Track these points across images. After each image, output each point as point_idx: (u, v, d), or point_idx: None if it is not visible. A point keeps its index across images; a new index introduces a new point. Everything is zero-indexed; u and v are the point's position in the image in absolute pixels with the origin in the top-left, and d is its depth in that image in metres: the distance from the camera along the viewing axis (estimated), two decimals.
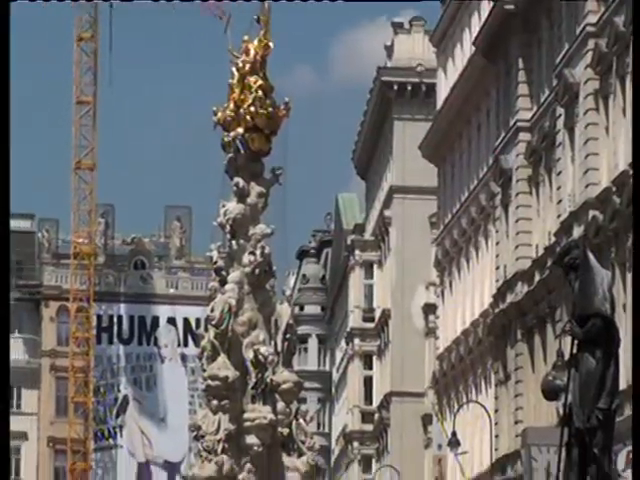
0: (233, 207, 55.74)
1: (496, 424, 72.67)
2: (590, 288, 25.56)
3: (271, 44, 55.89)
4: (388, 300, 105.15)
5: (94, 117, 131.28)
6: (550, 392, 27.00)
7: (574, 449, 25.06)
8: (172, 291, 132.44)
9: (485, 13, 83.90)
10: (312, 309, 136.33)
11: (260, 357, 54.44)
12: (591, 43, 62.01)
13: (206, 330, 58.07)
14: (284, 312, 57.32)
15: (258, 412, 53.50)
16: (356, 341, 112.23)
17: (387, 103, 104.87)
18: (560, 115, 65.65)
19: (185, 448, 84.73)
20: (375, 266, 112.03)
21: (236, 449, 53.63)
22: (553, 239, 63.55)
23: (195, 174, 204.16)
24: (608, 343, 25.12)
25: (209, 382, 54.37)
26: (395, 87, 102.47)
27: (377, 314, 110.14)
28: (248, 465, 53.71)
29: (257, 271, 55.80)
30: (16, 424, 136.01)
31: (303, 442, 58.01)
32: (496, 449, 72.56)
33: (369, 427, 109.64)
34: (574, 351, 25.09)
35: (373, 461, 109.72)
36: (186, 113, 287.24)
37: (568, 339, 25.95)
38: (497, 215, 76.28)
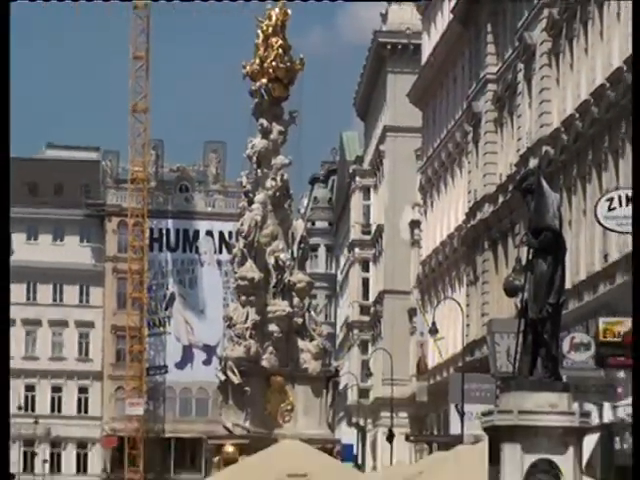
0: (258, 142, 56.88)
1: (467, 316, 72.80)
2: (543, 208, 25.69)
3: (289, 11, 56.66)
4: (382, 217, 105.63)
5: (147, 70, 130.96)
6: (510, 290, 27.10)
7: (529, 336, 25.22)
8: (209, 209, 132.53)
9: None
10: (321, 224, 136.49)
11: (280, 262, 55.51)
12: (546, 12, 62.03)
13: (237, 240, 59.73)
14: (299, 226, 58.62)
15: (278, 306, 54.93)
16: (356, 250, 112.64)
17: (382, 60, 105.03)
18: (520, 69, 65.97)
19: (220, 334, 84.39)
20: (371, 190, 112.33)
21: (261, 335, 54.51)
22: (514, 169, 63.47)
23: (228, 116, 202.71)
24: (557, 251, 25.31)
25: (239, 282, 56.44)
26: (388, 47, 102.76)
27: (373, 228, 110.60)
28: (270, 348, 54.60)
29: (277, 194, 56.73)
30: (85, 315, 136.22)
31: (314, 330, 58.97)
32: (467, 335, 72.64)
33: (366, 318, 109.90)
34: (530, 257, 25.35)
35: (369, 345, 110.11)
36: (221, 67, 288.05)
37: (525, 248, 26.24)
38: (469, 150, 76.62)
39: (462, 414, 59.80)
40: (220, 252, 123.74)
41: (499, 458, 24.50)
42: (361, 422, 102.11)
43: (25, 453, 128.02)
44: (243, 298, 56.64)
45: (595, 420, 45.59)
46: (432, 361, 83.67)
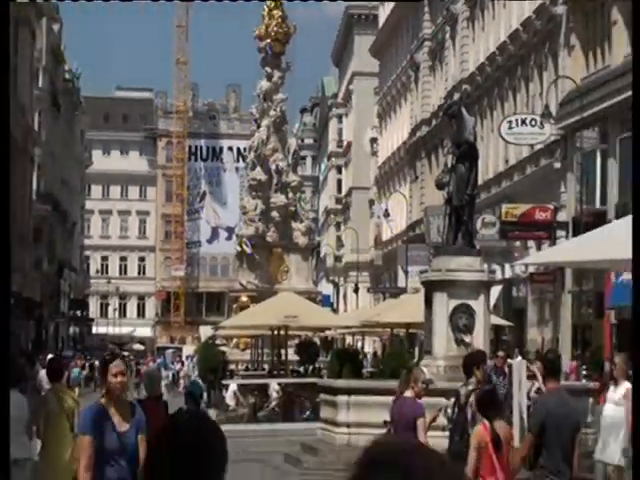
0: (264, 84, 57.64)
1: (410, 204, 73.07)
2: (462, 127, 25.70)
3: None
4: (351, 135, 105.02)
5: (186, 34, 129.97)
6: (440, 185, 27.42)
7: (453, 217, 25.30)
8: (230, 131, 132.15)
9: None
10: (308, 141, 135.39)
11: (279, 167, 55.58)
12: None
13: (249, 153, 59.41)
14: (292, 143, 59.57)
15: (278, 198, 55.63)
16: (332, 159, 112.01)
17: (351, 25, 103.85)
18: (447, 31, 65.46)
19: (237, 219, 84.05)
20: (343, 117, 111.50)
21: (265, 219, 54.99)
22: (442, 101, 62.95)
23: (243, 65, 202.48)
24: (472, 158, 25.36)
25: (250, 182, 57.35)
26: (355, 16, 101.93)
27: (344, 144, 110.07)
28: (272, 228, 54.68)
29: (277, 120, 57.10)
30: (143, 207, 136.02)
31: (303, 215, 59.78)
32: (410, 218, 73.01)
33: (339, 206, 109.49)
34: (453, 163, 25.32)
35: (342, 225, 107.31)
36: (239, 30, 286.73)
37: (450, 156, 26.23)
38: (411, 88, 76.52)
39: (406, 272, 60.30)
40: (237, 162, 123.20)
41: (432, 302, 24.69)
42: (336, 279, 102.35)
43: (101, 304, 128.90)
44: (253, 193, 57.47)
45: (499, 276, 45.75)
46: (385, 236, 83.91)
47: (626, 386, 15.38)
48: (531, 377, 19.59)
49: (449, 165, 27.06)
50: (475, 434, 12.81)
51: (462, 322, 23.79)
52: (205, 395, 38.16)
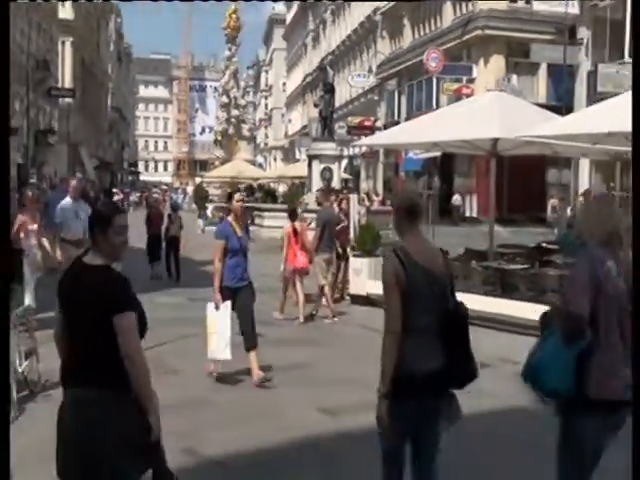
0: (227, 53, 53.69)
1: (302, 116, 71.57)
2: (327, 76, 24.69)
3: None
4: (272, 80, 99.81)
5: (190, 23, 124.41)
6: (316, 105, 26.23)
7: (322, 122, 24.42)
8: (210, 76, 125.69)
9: None
10: (250, 82, 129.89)
11: (235, 96, 52.44)
12: None
13: (220, 88, 56.03)
14: (242, 84, 55.72)
15: (234, 112, 51.28)
16: (263, 92, 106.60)
17: (272, 22, 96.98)
18: (321, 27, 62.86)
19: (214, 122, 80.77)
20: (269, 71, 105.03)
21: (228, 122, 51.66)
22: (319, 63, 60.93)
23: (217, 41, 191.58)
24: (332, 92, 24.43)
25: (221, 103, 52.47)
26: (275, 18, 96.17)
27: (269, 85, 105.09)
28: (232, 127, 51.79)
29: (235, 71, 53.65)
30: (165, 115, 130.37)
31: (247, 120, 56.70)
32: (302, 123, 71.62)
33: (266, 117, 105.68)
34: (322, 94, 24.26)
35: (268, 126, 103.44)
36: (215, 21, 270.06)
37: (320, 92, 25.28)
38: (303, 57, 73.68)
39: (299, 150, 58.90)
40: (214, 92, 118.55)
41: (311, 165, 24.09)
42: (265, 154, 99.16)
43: (145, 165, 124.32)
44: (222, 109, 54.86)
45: (346, 154, 45.19)
46: (290, 132, 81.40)
47: None
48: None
49: (320, 94, 26.31)
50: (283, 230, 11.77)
51: (326, 175, 23.48)
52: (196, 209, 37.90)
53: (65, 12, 52.80)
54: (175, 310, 11.64)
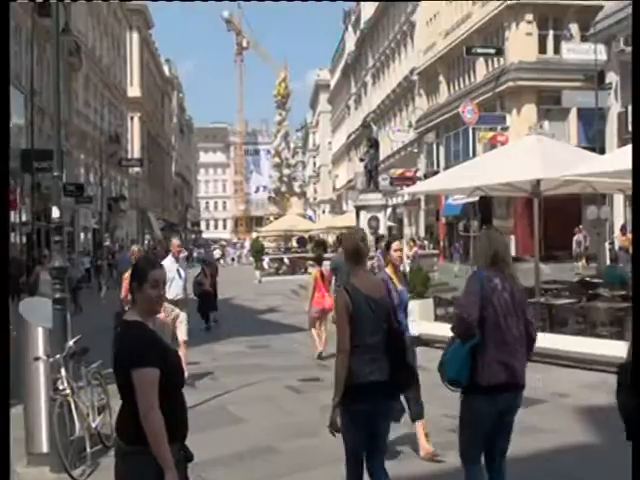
0: (278, 117, 53.82)
1: (347, 171, 71.55)
2: (371, 133, 24.51)
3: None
4: (319, 140, 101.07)
5: (242, 94, 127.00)
6: (361, 160, 26.00)
7: (368, 175, 24.18)
8: (263, 140, 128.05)
9: None
10: (299, 143, 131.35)
11: (286, 156, 52.66)
12: None
13: (273, 151, 56.14)
14: (292, 145, 55.73)
15: (286, 170, 51.41)
16: (312, 152, 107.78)
17: (318, 88, 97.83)
18: (362, 90, 63.23)
19: (268, 181, 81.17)
20: (316, 132, 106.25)
21: (280, 180, 51.55)
22: (362, 121, 61.02)
23: (269, 107, 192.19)
24: (376, 147, 24.19)
25: (274, 163, 52.19)
26: (320, 83, 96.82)
27: (317, 144, 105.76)
28: (284, 185, 51.85)
29: (285, 134, 53.75)
30: (224, 177, 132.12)
31: (298, 178, 56.81)
32: (348, 177, 71.59)
33: (315, 174, 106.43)
34: (367, 149, 23.92)
35: (316, 182, 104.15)
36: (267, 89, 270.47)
37: (365, 147, 24.92)
38: (346, 117, 74.02)
39: (347, 203, 58.80)
40: (268, 154, 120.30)
41: (359, 215, 23.80)
42: (315, 208, 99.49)
43: (206, 223, 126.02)
44: (275, 168, 55.27)
45: (390, 203, 44.72)
46: (337, 186, 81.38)
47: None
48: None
49: (365, 150, 26.15)
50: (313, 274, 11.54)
51: (373, 224, 23.22)
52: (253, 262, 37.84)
53: (133, 90, 54.46)
54: (236, 358, 11.37)
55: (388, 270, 5.96)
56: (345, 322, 4.06)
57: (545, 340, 9.49)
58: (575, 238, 26.65)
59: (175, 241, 10.26)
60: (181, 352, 8.39)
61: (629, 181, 10.14)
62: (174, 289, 9.32)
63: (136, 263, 3.34)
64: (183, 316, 9.33)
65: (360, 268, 4.28)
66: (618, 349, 8.75)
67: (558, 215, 26.75)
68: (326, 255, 15.08)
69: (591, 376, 8.49)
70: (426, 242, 37.17)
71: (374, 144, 23.41)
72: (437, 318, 11.60)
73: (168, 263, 9.43)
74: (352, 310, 4.07)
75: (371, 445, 4.20)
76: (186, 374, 8.84)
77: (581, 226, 27.88)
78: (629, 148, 9.79)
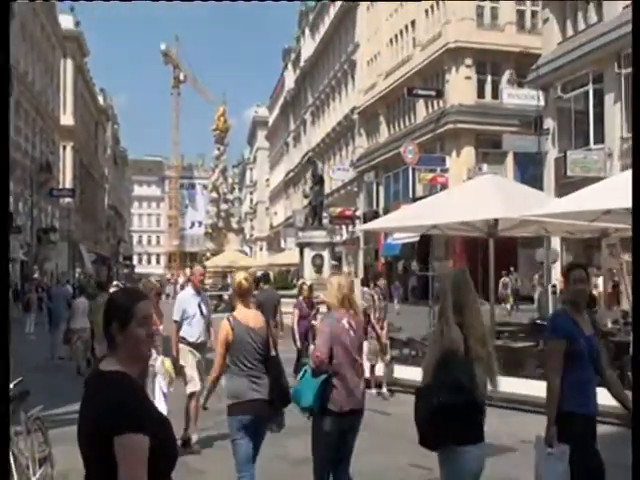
0: (216, 152, 53.55)
1: (285, 209, 71.41)
2: (316, 169, 24.36)
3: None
4: (256, 177, 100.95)
5: (177, 126, 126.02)
6: (306, 196, 25.72)
7: (312, 212, 23.83)
8: (199, 175, 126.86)
9: None
10: (236, 179, 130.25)
11: (224, 191, 51.99)
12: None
13: (210, 186, 55.36)
14: (229, 181, 55.46)
15: (223, 206, 50.41)
16: (249, 188, 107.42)
17: (255, 124, 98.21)
18: (301, 127, 63.45)
19: (204, 217, 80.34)
20: (253, 169, 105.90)
21: (217, 216, 50.74)
22: (300, 159, 60.62)
23: (206, 141, 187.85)
24: (321, 183, 23.92)
25: (211, 198, 51.10)
26: (258, 119, 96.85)
27: (254, 181, 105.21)
28: (221, 220, 50.87)
29: (223, 169, 53.24)
30: (158, 211, 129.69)
31: (236, 214, 56.10)
32: (285, 215, 71.36)
33: (252, 211, 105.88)
34: (312, 185, 23.70)
35: (253, 219, 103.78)
36: (204, 125, 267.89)
37: (310, 183, 24.56)
38: (284, 154, 74.16)
39: (285, 241, 58.58)
40: (204, 190, 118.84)
41: (303, 253, 23.43)
42: (251, 245, 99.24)
43: (138, 258, 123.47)
44: (211, 203, 54.53)
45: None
46: (275, 223, 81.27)
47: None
48: None
49: (309, 186, 25.89)
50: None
51: (317, 262, 22.89)
52: None
53: (66, 119, 53.06)
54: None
55: (566, 308, 4.44)
56: (222, 349, 4.95)
57: (507, 385, 9.30)
58: (502, 280, 26.77)
59: (198, 268, 8.39)
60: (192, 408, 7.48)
61: (587, 223, 10.26)
62: (195, 328, 7.61)
63: (111, 299, 2.63)
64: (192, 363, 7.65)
65: (244, 303, 5.13)
66: None
67: (496, 258, 27.10)
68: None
69: None
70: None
71: (319, 180, 23.22)
72: (392, 359, 11.22)
73: (188, 296, 7.82)
74: (233, 338, 4.90)
75: (254, 451, 4.95)
76: (194, 437, 7.59)
77: (512, 268, 28.30)
78: (586, 191, 9.82)
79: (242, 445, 4.86)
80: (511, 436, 7.73)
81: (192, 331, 7.53)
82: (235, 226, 56.14)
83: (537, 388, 8.87)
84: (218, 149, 56.36)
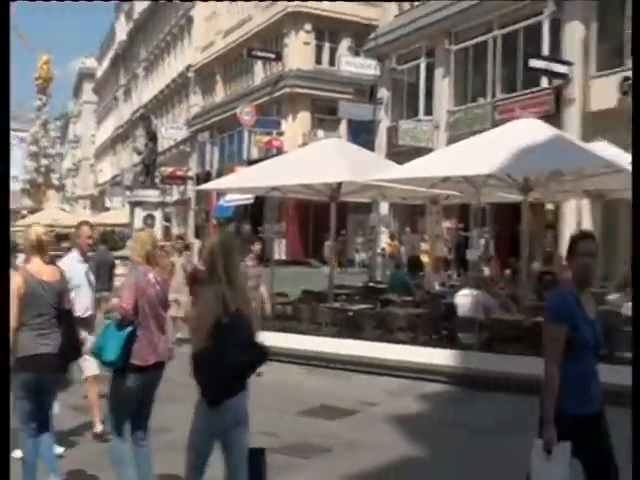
0: (38, 102, 49.56)
1: (112, 166, 68.28)
2: (150, 124, 23.28)
3: None
4: (81, 132, 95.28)
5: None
6: (138, 152, 24.62)
7: (145, 169, 22.90)
8: (20, 126, 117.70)
9: None
10: (58, 132, 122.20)
11: (45, 145, 48.74)
12: None
13: (31, 138, 51.92)
14: (52, 134, 51.74)
15: (43, 161, 47.90)
16: (72, 143, 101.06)
17: (82, 75, 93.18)
18: (133, 81, 60.49)
19: (20, 172, 74.71)
20: (78, 122, 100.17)
21: (37, 171, 47.95)
22: (131, 115, 58.02)
23: (29, 88, 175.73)
24: (154, 140, 23.00)
25: (30, 152, 48.20)
26: (85, 71, 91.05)
27: (79, 136, 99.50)
28: (41, 176, 48.01)
29: (44, 122, 49.71)
30: None
31: (56, 169, 52.83)
32: (112, 172, 68.35)
33: (75, 167, 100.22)
34: (146, 142, 22.78)
35: (76, 176, 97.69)
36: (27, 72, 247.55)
37: (144, 139, 23.64)
38: (114, 108, 70.46)
39: (110, 200, 56.04)
40: (22, 142, 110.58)
41: (134, 212, 22.45)
42: (72, 202, 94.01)
43: None
44: (31, 157, 50.84)
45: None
46: (101, 181, 77.52)
47: None
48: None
49: (144, 142, 24.60)
50: None
51: (148, 222, 21.95)
52: None
53: None
54: None
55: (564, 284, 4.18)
56: (16, 304, 4.63)
57: (344, 346, 9.41)
58: (326, 243, 25.72)
59: (85, 228, 6.63)
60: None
61: (422, 189, 10.54)
62: (83, 301, 6.31)
63: None
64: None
65: (40, 258, 4.90)
66: (417, 354, 8.99)
67: (325, 222, 27.43)
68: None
69: (392, 382, 8.45)
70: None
71: (153, 137, 22.16)
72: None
73: (73, 263, 6.39)
74: (24, 293, 4.66)
75: (40, 414, 4.76)
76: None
77: (343, 231, 28.85)
78: (427, 159, 10.05)
79: (23, 403, 4.71)
80: (351, 398, 7.73)
81: (79, 304, 6.04)
82: (56, 183, 52.66)
83: (375, 349, 9.07)
84: (40, 99, 52.29)
